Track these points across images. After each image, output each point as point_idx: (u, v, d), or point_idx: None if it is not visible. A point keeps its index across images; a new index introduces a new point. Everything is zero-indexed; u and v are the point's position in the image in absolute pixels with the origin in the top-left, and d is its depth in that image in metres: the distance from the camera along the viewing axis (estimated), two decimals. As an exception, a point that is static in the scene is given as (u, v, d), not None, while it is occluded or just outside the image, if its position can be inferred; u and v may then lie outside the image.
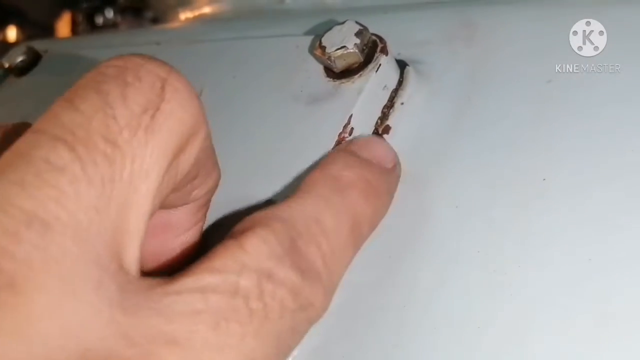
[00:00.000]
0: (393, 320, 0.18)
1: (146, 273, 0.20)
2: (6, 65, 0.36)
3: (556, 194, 0.18)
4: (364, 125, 0.22)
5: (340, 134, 0.21)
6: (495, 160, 0.20)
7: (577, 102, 0.20)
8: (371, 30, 0.22)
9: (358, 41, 0.22)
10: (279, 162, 0.22)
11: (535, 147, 0.20)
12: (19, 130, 0.16)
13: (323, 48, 0.22)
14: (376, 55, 0.22)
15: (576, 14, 0.22)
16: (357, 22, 0.22)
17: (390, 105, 0.22)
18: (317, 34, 0.23)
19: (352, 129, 0.21)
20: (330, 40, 0.22)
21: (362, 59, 0.22)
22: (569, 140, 0.19)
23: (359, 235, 0.18)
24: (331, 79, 0.22)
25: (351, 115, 0.21)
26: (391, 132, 0.22)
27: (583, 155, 0.19)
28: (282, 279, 0.15)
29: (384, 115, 0.22)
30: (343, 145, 0.21)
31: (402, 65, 0.23)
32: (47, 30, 0.66)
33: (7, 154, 0.13)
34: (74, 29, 0.66)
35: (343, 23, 0.22)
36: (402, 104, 0.23)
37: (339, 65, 0.22)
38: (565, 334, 0.16)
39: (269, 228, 0.16)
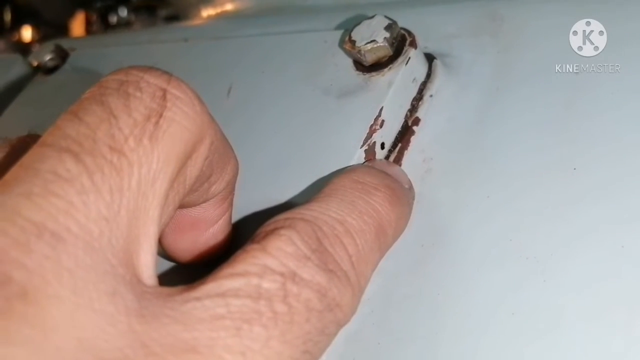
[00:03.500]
0: (427, 308, 0.19)
1: (184, 266, 0.21)
2: (34, 63, 0.37)
3: (587, 183, 0.19)
4: (394, 118, 0.22)
5: (372, 125, 0.21)
6: (525, 151, 0.20)
7: (605, 93, 0.20)
8: (397, 25, 0.23)
9: (388, 35, 0.22)
10: (312, 154, 0.22)
11: (565, 136, 0.20)
12: (26, 143, 0.16)
13: (353, 42, 0.22)
14: (405, 48, 0.22)
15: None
16: (386, 16, 0.22)
17: (419, 97, 0.23)
18: (346, 29, 0.24)
19: (383, 121, 0.21)
20: (360, 34, 0.22)
21: (391, 53, 0.22)
22: (599, 129, 0.20)
23: (384, 239, 0.18)
24: (361, 72, 0.23)
25: (382, 108, 0.21)
26: (421, 123, 0.22)
27: (613, 144, 0.19)
28: (308, 280, 0.15)
29: (413, 108, 0.23)
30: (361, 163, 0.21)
31: (429, 58, 0.24)
32: (62, 30, 0.66)
33: (15, 168, 0.13)
34: (88, 28, 0.66)
35: (372, 17, 0.23)
36: (431, 96, 0.23)
37: (369, 58, 0.22)
38: (600, 320, 0.17)
39: (292, 229, 0.16)
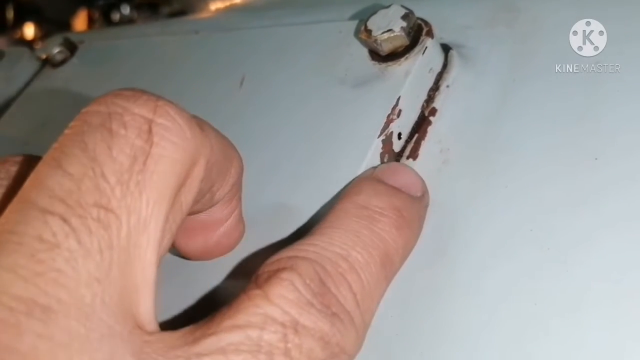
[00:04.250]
0: (446, 299, 0.19)
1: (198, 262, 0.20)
2: (43, 56, 0.37)
3: (608, 173, 0.19)
4: (411, 108, 0.22)
5: (389, 115, 0.21)
6: (543, 141, 0.20)
7: (627, 84, 0.20)
8: (412, 16, 0.22)
9: (404, 24, 0.22)
10: (328, 144, 0.22)
11: (585, 126, 0.20)
12: (25, 168, 0.16)
13: (369, 31, 0.22)
14: (422, 38, 0.22)
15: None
16: (402, 6, 0.22)
17: (435, 87, 0.23)
18: (361, 19, 0.23)
19: (400, 110, 0.21)
20: (376, 24, 0.22)
21: (408, 42, 0.22)
22: (620, 119, 0.19)
23: (390, 269, 0.18)
24: (377, 62, 0.23)
25: (399, 97, 0.21)
26: (437, 114, 0.22)
27: (635, 135, 0.19)
28: (310, 329, 0.14)
29: (430, 98, 0.22)
30: (369, 172, 0.20)
31: (445, 49, 0.23)
32: (64, 28, 0.66)
33: None
34: (90, 25, 0.66)
35: (389, 7, 0.22)
36: (448, 86, 0.23)
37: (385, 48, 0.22)
38: (621, 310, 0.16)
39: (294, 272, 0.15)
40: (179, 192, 0.15)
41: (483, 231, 0.19)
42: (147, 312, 0.14)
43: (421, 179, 0.20)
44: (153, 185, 0.14)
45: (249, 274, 0.20)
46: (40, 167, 0.13)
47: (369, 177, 0.20)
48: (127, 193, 0.13)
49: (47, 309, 0.12)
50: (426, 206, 0.20)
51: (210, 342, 0.14)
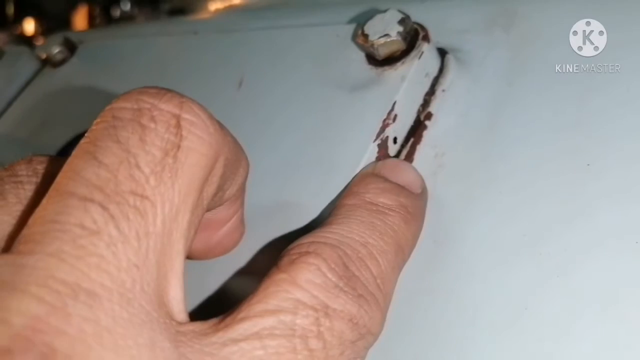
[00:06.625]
0: (439, 304, 0.19)
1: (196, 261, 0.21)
2: (43, 56, 0.37)
3: (602, 179, 0.19)
4: (407, 112, 0.22)
5: (385, 119, 0.21)
6: (538, 146, 0.20)
7: (620, 89, 0.20)
8: (408, 20, 0.23)
9: (401, 29, 0.22)
10: (324, 147, 0.22)
11: (579, 132, 0.20)
12: (52, 167, 0.16)
13: (366, 36, 0.22)
14: (418, 42, 0.22)
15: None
16: (399, 11, 0.22)
17: (431, 92, 0.23)
18: (358, 23, 0.24)
19: (396, 115, 0.21)
20: (373, 28, 0.22)
21: (404, 47, 0.22)
22: (613, 124, 0.20)
23: (401, 258, 0.18)
24: (373, 67, 0.23)
25: (395, 102, 0.21)
26: (433, 118, 0.22)
27: (627, 140, 0.19)
28: (340, 311, 0.15)
29: (426, 102, 0.23)
30: (371, 168, 0.21)
31: (442, 53, 0.24)
32: (64, 23, 0.66)
33: (38, 220, 0.13)
34: (91, 21, 0.66)
35: (385, 11, 0.23)
36: (444, 91, 0.23)
37: (382, 52, 0.22)
38: (613, 316, 0.17)
39: (319, 256, 0.16)
40: (203, 187, 0.15)
41: (476, 235, 0.19)
42: (177, 300, 0.14)
43: (420, 176, 0.21)
44: (184, 177, 0.14)
45: (245, 273, 0.21)
46: (73, 160, 0.14)
47: (373, 175, 0.20)
48: (161, 182, 0.14)
49: (91, 293, 0.12)
50: (425, 202, 0.21)
51: (245, 328, 0.14)
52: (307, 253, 0.16)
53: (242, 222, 0.21)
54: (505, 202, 0.20)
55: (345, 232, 0.17)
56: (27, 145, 0.32)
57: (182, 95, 0.15)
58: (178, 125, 0.14)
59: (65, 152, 0.30)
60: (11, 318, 0.11)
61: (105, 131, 0.14)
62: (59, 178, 0.14)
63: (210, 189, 0.16)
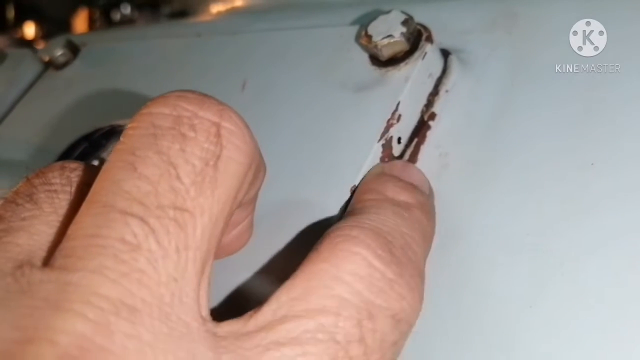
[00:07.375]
0: (444, 302, 0.19)
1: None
2: (45, 58, 0.37)
3: (606, 178, 0.19)
4: (410, 112, 0.22)
5: (389, 120, 0.21)
6: (541, 145, 0.21)
7: (620, 89, 0.21)
8: (411, 21, 0.23)
9: (404, 30, 0.22)
10: (328, 148, 0.22)
11: (583, 131, 0.20)
12: (87, 176, 0.16)
13: (369, 37, 0.23)
14: (421, 43, 0.22)
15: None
16: (402, 11, 0.23)
17: (435, 92, 0.23)
18: (362, 24, 0.24)
19: (400, 115, 0.22)
20: (377, 29, 0.23)
21: (408, 48, 0.22)
22: (618, 125, 0.20)
23: (428, 251, 0.18)
24: (377, 67, 0.23)
25: (399, 102, 0.21)
26: (437, 118, 0.23)
27: (628, 139, 0.19)
28: (384, 309, 0.14)
29: (429, 103, 0.23)
30: (380, 168, 0.21)
31: (445, 54, 0.24)
32: (65, 27, 0.66)
33: (77, 233, 0.13)
34: (91, 25, 0.66)
35: (389, 12, 0.23)
36: (447, 91, 0.23)
37: (385, 53, 0.22)
38: (617, 314, 0.17)
39: (364, 242, 0.15)
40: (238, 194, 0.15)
41: (480, 235, 0.20)
42: (206, 304, 0.14)
43: (426, 178, 0.21)
44: (223, 187, 0.14)
45: (251, 272, 0.21)
46: (112, 170, 0.14)
47: (386, 174, 0.20)
48: (201, 194, 0.13)
49: (133, 309, 0.12)
50: (434, 202, 0.21)
51: (287, 329, 0.14)
52: (351, 238, 0.15)
53: (252, 224, 0.21)
54: (509, 201, 0.20)
55: (382, 219, 0.16)
56: (31, 147, 0.32)
57: (220, 102, 0.15)
58: (218, 134, 0.14)
59: (68, 154, 0.30)
60: (58, 337, 0.11)
61: (145, 139, 0.14)
62: (98, 188, 0.14)
63: (241, 195, 0.16)
